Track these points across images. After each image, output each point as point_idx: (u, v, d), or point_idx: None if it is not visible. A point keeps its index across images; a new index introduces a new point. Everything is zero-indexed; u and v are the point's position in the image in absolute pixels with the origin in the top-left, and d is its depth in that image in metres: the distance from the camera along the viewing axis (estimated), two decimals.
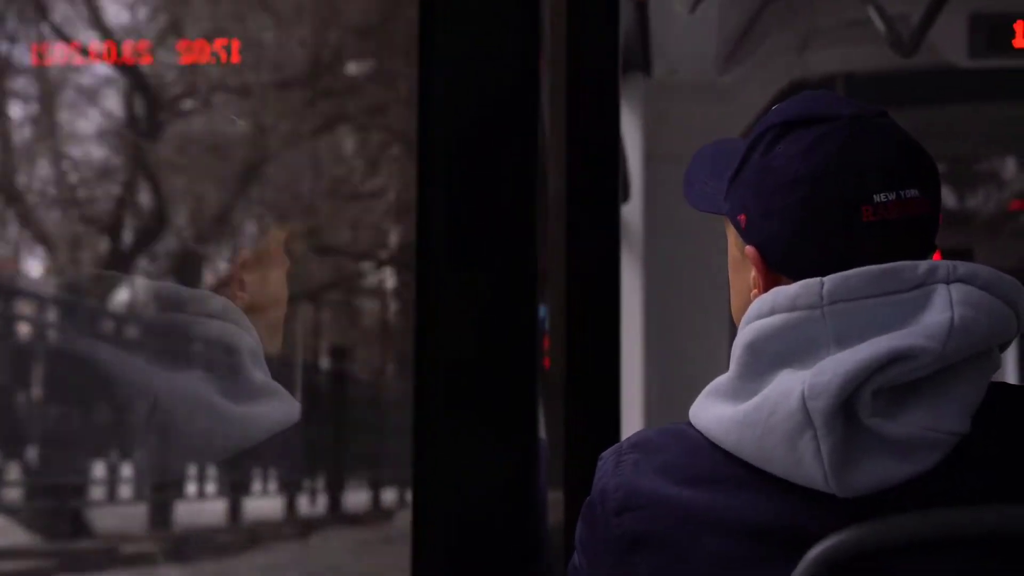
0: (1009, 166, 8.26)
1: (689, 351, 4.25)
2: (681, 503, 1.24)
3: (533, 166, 0.96)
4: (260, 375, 1.53)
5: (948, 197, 8.48)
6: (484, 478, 0.96)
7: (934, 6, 3.42)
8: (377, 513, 12.63)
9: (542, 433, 0.98)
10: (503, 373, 0.96)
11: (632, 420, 4.20)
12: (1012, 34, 3.86)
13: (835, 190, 1.28)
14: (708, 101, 4.55)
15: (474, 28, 0.97)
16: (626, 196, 4.47)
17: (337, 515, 11.74)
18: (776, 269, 1.31)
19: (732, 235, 1.39)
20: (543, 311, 0.99)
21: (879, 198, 1.27)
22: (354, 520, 11.75)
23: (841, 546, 1.18)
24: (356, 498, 12.56)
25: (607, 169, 2.13)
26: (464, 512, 0.96)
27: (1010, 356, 10.47)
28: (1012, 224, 8.33)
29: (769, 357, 1.23)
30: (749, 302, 1.30)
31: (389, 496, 13.19)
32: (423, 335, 0.97)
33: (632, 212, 4.56)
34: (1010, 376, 10.56)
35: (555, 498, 2.07)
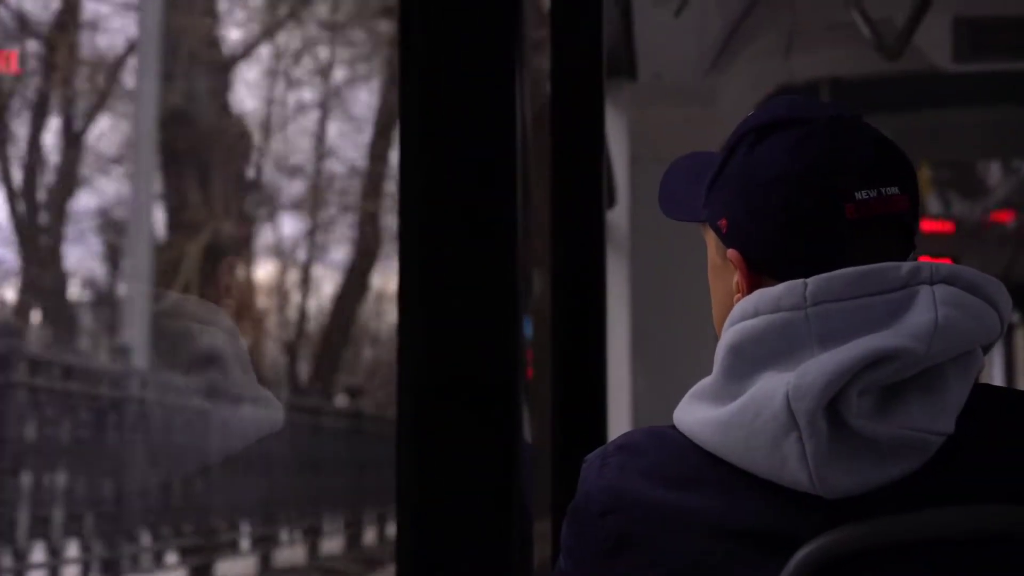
0: (994, 171, 8.29)
1: (676, 354, 4.26)
2: (666, 505, 1.25)
3: (512, 176, 0.96)
4: (247, 380, 1.53)
5: (934, 203, 8.50)
6: (469, 492, 0.95)
7: (918, 9, 3.43)
8: None
9: (528, 441, 0.98)
10: (487, 386, 0.95)
11: (620, 424, 4.21)
12: (996, 37, 3.88)
13: (818, 189, 1.28)
14: (693, 105, 4.56)
15: (453, 35, 0.96)
16: (612, 201, 4.48)
17: None
18: (760, 271, 1.31)
19: (712, 241, 1.40)
20: (528, 323, 0.99)
21: (861, 195, 1.28)
22: None
23: (827, 548, 1.18)
24: None
25: (592, 174, 2.14)
26: (449, 525, 0.95)
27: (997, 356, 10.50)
28: (998, 231, 8.36)
29: (753, 359, 1.23)
30: (731, 308, 1.30)
31: None
32: (406, 349, 0.96)
33: (619, 216, 4.57)
34: (996, 377, 10.57)
35: (543, 507, 2.07)
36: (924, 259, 1.29)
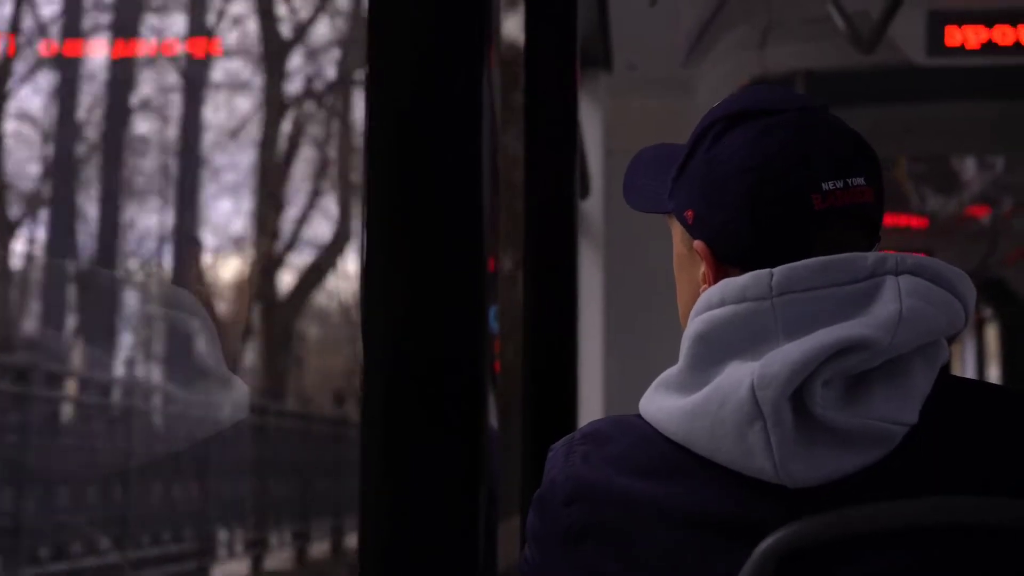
0: (969, 166, 8.31)
1: (650, 344, 4.27)
2: (630, 494, 1.25)
3: (479, 166, 0.96)
4: (216, 364, 1.53)
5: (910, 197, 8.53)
6: (435, 484, 0.95)
7: (892, 3, 3.44)
8: None
9: (496, 434, 0.98)
10: (454, 379, 0.95)
11: (593, 414, 4.21)
12: (970, 32, 3.89)
13: (784, 179, 1.29)
14: (669, 97, 4.56)
15: (424, 20, 0.96)
16: (586, 191, 4.48)
17: None
18: (726, 262, 1.32)
19: (678, 233, 1.40)
20: (494, 315, 0.98)
21: (828, 186, 1.29)
22: None
23: (791, 538, 1.18)
24: None
25: (565, 164, 2.14)
26: (415, 515, 0.95)
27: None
28: (972, 225, 8.39)
29: (719, 348, 1.24)
30: (697, 299, 1.30)
31: None
32: (371, 341, 0.96)
33: (593, 206, 4.57)
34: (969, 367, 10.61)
35: (513, 496, 2.07)
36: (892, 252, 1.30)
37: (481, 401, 0.96)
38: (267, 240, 19.77)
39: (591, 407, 4.34)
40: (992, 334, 10.54)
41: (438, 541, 0.96)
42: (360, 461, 0.96)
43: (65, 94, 18.71)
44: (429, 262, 0.96)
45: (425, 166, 0.96)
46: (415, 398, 0.95)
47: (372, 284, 0.96)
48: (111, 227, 18.41)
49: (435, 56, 0.97)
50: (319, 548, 14.29)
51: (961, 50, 3.90)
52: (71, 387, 10.01)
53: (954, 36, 3.89)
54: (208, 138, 20.04)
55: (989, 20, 3.91)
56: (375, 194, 0.96)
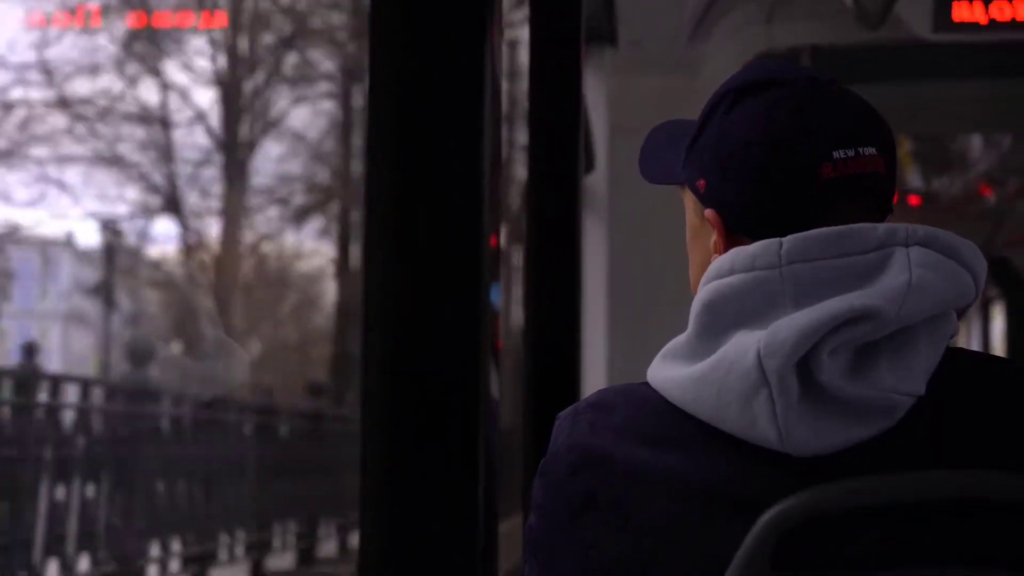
0: (975, 145, 8.29)
1: (653, 318, 4.28)
2: (636, 463, 1.25)
3: (479, 142, 0.95)
4: (218, 334, 1.54)
5: (914, 176, 8.51)
6: (436, 463, 0.95)
7: None
8: None
9: (497, 401, 0.98)
10: (455, 355, 0.95)
11: (596, 386, 4.21)
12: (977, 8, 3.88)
13: (795, 149, 1.29)
14: (674, 73, 4.56)
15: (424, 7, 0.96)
16: (590, 166, 4.48)
17: None
18: (737, 231, 1.32)
19: (690, 203, 1.40)
20: (496, 292, 0.98)
21: (839, 154, 1.29)
22: None
23: (795, 509, 1.18)
24: None
25: (569, 139, 2.14)
26: (416, 489, 0.95)
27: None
28: (980, 204, 8.38)
29: (727, 317, 1.24)
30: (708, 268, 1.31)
31: None
32: (372, 318, 0.95)
33: (598, 181, 4.58)
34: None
35: (516, 474, 2.08)
36: None
37: (484, 379, 0.96)
38: None
39: (595, 381, 4.35)
40: (1000, 314, 10.54)
41: (439, 527, 0.96)
42: (360, 443, 0.96)
43: None
44: (431, 240, 0.95)
45: (426, 145, 0.96)
46: (416, 377, 0.95)
47: (373, 262, 0.96)
48: None
49: (437, 31, 0.97)
50: None
51: (968, 26, 3.89)
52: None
53: (961, 12, 3.88)
54: None
55: None
56: (377, 169, 0.96)
